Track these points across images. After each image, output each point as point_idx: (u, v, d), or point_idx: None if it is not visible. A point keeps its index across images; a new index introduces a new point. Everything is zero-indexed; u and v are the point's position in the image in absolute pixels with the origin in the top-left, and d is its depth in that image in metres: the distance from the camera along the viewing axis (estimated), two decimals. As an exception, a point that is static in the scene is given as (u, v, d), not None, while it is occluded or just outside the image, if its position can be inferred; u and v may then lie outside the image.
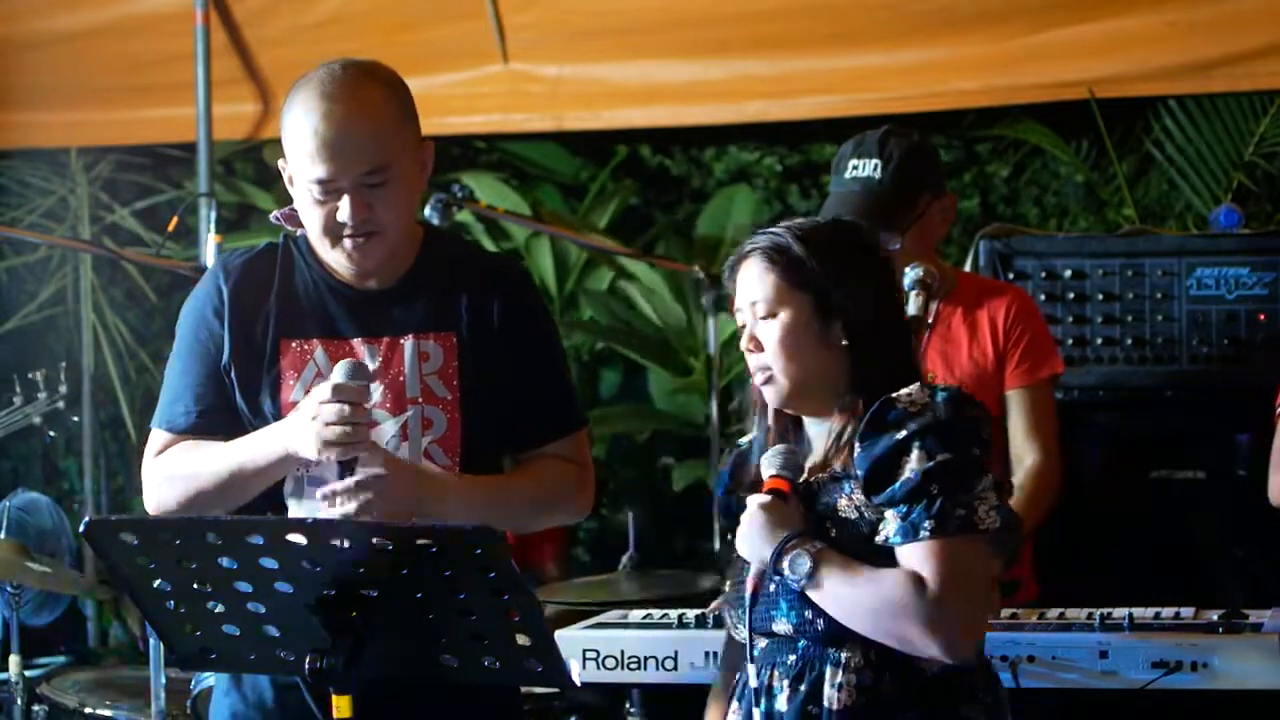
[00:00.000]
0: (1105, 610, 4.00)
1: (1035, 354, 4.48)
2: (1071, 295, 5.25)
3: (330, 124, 3.27)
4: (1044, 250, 5.35)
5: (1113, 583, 4.65)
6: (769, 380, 3.19)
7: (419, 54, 6.44)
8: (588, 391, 7.12)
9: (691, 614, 4.11)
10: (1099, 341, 5.24)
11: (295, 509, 3.36)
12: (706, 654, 3.93)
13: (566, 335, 6.87)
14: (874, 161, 4.44)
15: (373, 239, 3.32)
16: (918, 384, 3.14)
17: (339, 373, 3.23)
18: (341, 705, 2.83)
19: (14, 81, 6.83)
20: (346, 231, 3.31)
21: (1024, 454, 4.44)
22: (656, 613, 4.24)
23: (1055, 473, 4.47)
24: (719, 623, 3.76)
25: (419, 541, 2.82)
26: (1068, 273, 5.29)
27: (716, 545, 5.52)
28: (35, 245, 7.18)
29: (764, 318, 3.18)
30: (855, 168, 4.46)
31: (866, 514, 3.10)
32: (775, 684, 3.16)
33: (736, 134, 7.06)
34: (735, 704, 3.25)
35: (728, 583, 3.34)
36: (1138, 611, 3.95)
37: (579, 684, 3.33)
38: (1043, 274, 5.26)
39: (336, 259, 3.36)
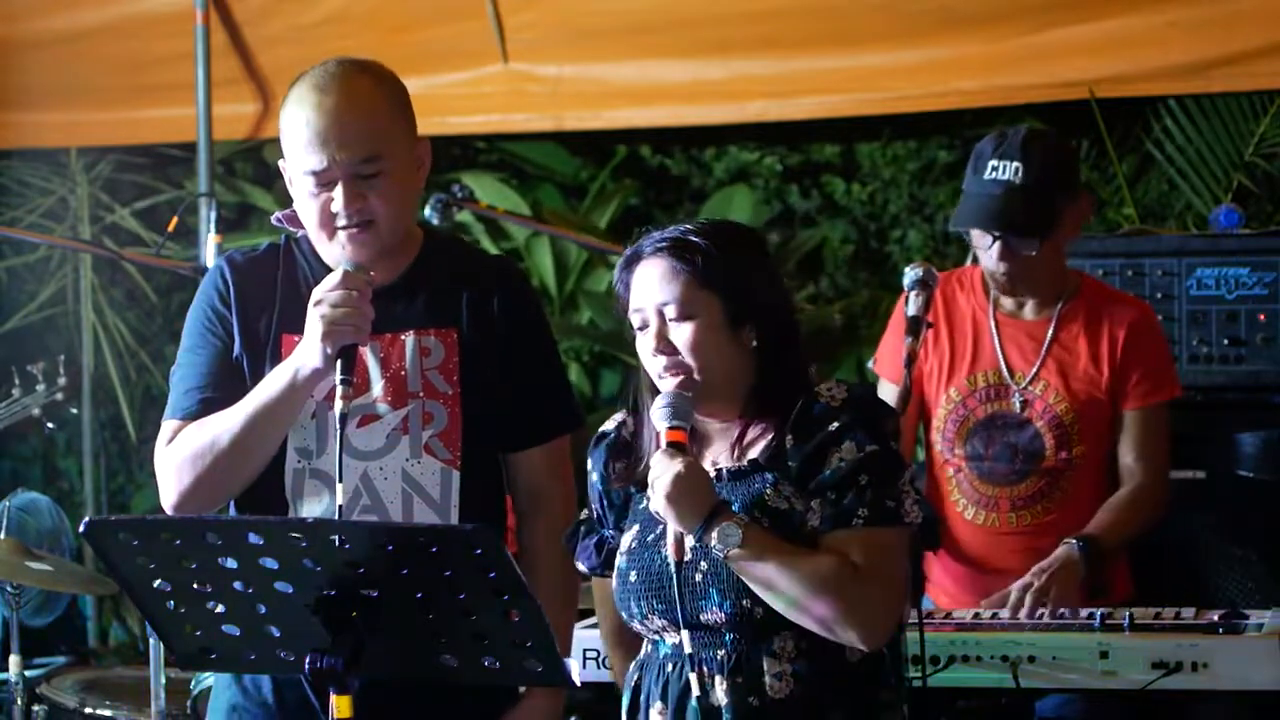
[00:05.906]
0: (1105, 610, 4.01)
1: (1154, 377, 4.39)
2: (1072, 295, 5.23)
3: (321, 114, 3.30)
4: (1044, 250, 5.33)
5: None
6: (683, 381, 3.17)
7: (419, 54, 6.44)
8: (588, 392, 7.11)
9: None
10: (1100, 341, 5.23)
11: (297, 507, 3.37)
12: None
13: (564, 339, 6.87)
14: (1015, 164, 4.32)
15: (366, 229, 3.33)
16: (834, 380, 3.20)
17: (345, 267, 3.29)
18: (341, 705, 2.83)
19: (14, 81, 6.83)
20: (340, 222, 3.33)
21: (1133, 473, 4.36)
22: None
23: (1161, 494, 4.39)
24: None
25: (419, 541, 2.83)
26: (1068, 273, 5.28)
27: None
28: (35, 245, 7.18)
29: (675, 320, 3.17)
30: (995, 169, 4.34)
31: (797, 505, 3.12)
32: (705, 679, 3.13)
33: (736, 134, 7.06)
34: (659, 703, 3.21)
35: (632, 573, 3.25)
36: (1138, 611, 3.96)
37: (579, 684, 3.31)
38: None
39: (333, 253, 3.37)
